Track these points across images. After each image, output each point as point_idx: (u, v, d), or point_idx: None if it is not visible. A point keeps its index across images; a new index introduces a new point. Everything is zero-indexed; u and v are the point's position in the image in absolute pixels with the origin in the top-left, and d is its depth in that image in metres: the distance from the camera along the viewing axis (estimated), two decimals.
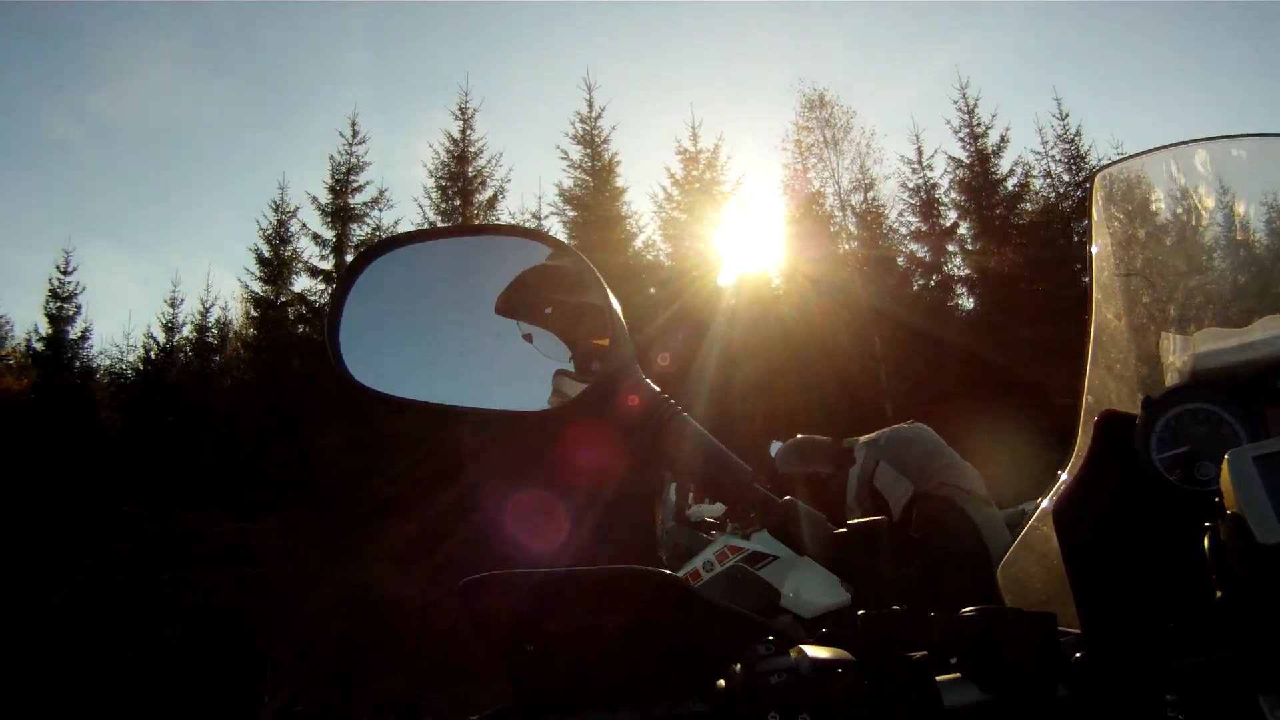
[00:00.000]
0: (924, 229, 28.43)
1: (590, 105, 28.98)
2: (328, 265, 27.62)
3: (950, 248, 28.17)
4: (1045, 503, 1.32)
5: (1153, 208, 1.55)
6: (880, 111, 66.71)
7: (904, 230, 28.87)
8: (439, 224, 27.62)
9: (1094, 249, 1.52)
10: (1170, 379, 1.35)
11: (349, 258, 27.72)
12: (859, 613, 1.06)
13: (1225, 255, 1.55)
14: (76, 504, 19.17)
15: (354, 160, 28.67)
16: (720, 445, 1.30)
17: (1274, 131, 1.48)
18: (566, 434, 1.31)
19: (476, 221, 26.07)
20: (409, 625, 16.07)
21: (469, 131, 29.07)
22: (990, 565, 4.97)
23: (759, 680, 0.91)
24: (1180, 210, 1.55)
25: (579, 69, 48.09)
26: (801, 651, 0.95)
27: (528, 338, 1.31)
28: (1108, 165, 1.63)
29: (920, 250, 28.37)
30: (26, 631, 15.72)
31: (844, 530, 1.27)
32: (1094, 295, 1.49)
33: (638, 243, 28.07)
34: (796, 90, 33.58)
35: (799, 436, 5.91)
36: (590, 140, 28.64)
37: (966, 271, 28.03)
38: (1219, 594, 0.93)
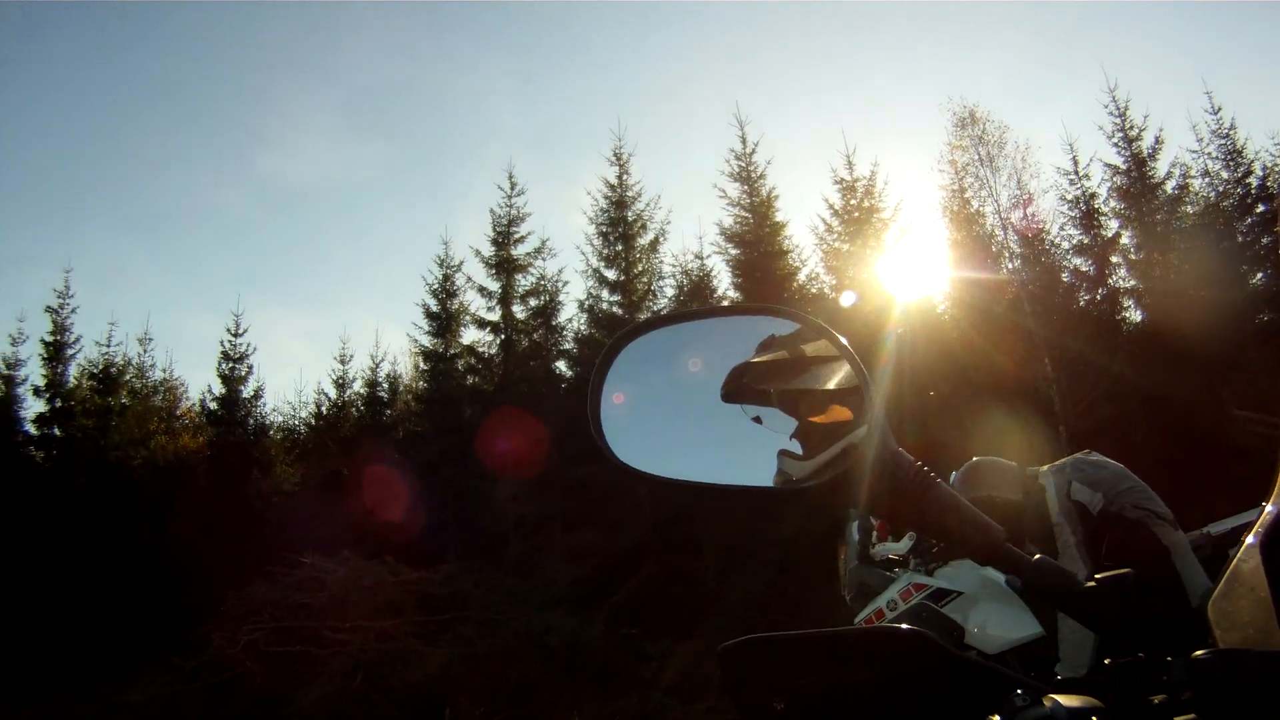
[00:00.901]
0: (1086, 241, 27.69)
1: (744, 141, 29.12)
2: (495, 316, 28.59)
3: (1114, 259, 27.48)
4: (1251, 538, 1.21)
5: None
6: (1032, 125, 65.82)
7: (1066, 245, 28.17)
8: (604, 271, 28.31)
9: None
10: None
11: (515, 309, 28.74)
12: (1105, 661, 1.15)
13: None
14: (256, 555, 19.64)
15: (514, 212, 29.54)
16: (973, 508, 1.34)
17: None
18: (839, 506, 1.30)
19: (718, 302, 26.45)
20: (588, 669, 16.13)
21: (625, 176, 29.59)
22: (1181, 589, 4.84)
23: None
24: None
25: (729, 105, 48.37)
26: (1055, 701, 0.98)
27: (757, 419, 1.34)
28: None
29: (1084, 264, 27.66)
30: (207, 677, 16.17)
31: (1093, 585, 1.29)
32: None
33: (801, 276, 28.06)
34: (946, 109, 33.34)
35: (976, 459, 5.84)
36: (747, 176, 28.75)
37: (1133, 283, 27.33)
38: None
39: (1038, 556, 1.33)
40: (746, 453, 1.35)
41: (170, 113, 54.11)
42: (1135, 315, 27.03)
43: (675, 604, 18.75)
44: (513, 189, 29.45)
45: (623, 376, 1.42)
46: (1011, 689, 1.00)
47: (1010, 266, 27.16)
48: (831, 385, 1.33)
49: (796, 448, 1.32)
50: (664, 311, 22.96)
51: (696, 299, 27.29)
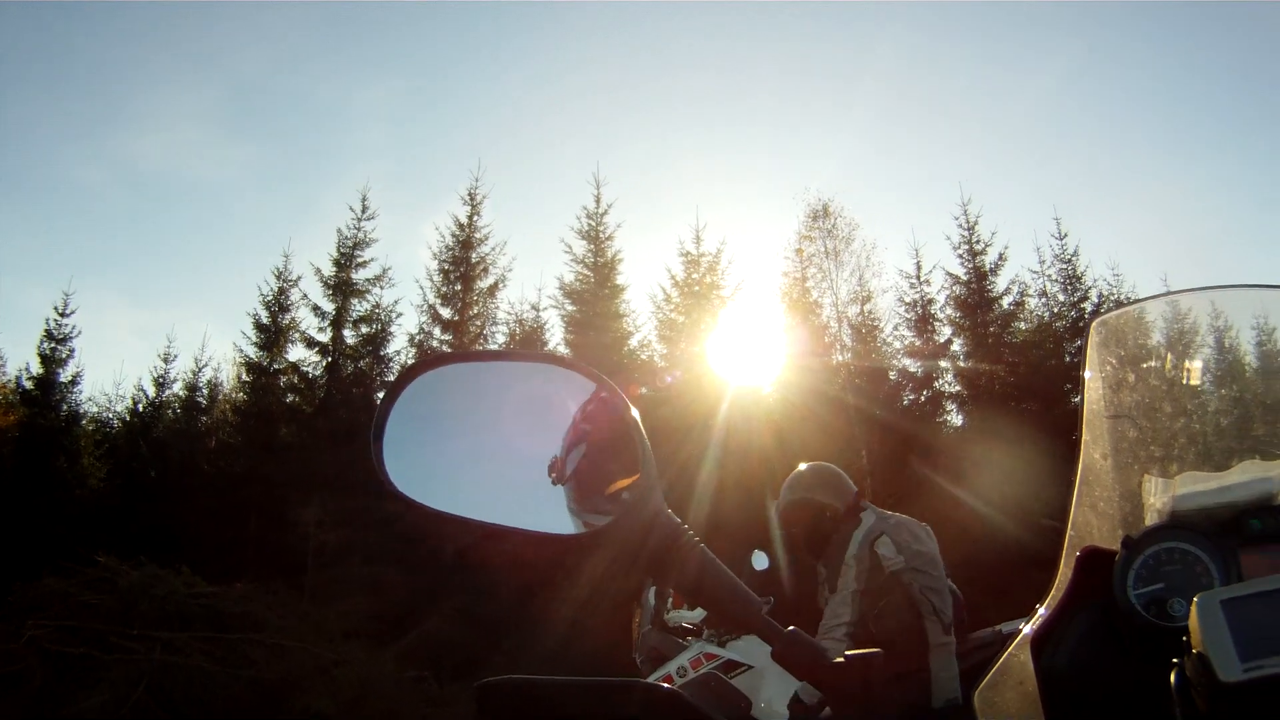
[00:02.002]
0: (917, 344, 28.54)
1: (598, 200, 29.29)
2: (324, 337, 27.85)
3: (943, 364, 28.30)
4: (1026, 630, 1.37)
5: (1144, 353, 1.62)
6: (883, 223, 67.26)
7: (898, 344, 29.08)
8: (439, 309, 28.15)
9: (1086, 392, 1.58)
10: (1150, 519, 1.40)
11: (346, 333, 28.10)
12: None
13: (1209, 400, 1.61)
14: (52, 547, 19.02)
15: (361, 235, 28.95)
16: (735, 577, 1.35)
17: (1258, 283, 1.54)
18: (601, 559, 1.37)
19: (513, 346, 26.55)
20: (374, 704, 15.94)
21: (476, 217, 29.45)
22: (926, 686, 5.02)
23: None
24: (1168, 356, 1.62)
25: (590, 164, 48.48)
26: None
27: (559, 465, 1.35)
28: (1106, 313, 1.70)
29: (913, 365, 28.50)
30: None
31: (842, 660, 1.32)
32: (1083, 435, 1.55)
33: (633, 342, 28.20)
34: (802, 199, 33.98)
35: (805, 464, 6.01)
36: (595, 236, 28.90)
37: (957, 388, 28.17)
38: None
39: (790, 629, 1.36)
40: (525, 497, 1.37)
41: (39, 77, 52.15)
42: (957, 419, 27.82)
43: (469, 648, 18.63)
44: (363, 211, 28.94)
45: (411, 408, 1.41)
46: None
47: (841, 358, 27.77)
48: (611, 443, 1.36)
49: (572, 498, 1.35)
50: (461, 350, 22.81)
51: (528, 348, 26.82)
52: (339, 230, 28.90)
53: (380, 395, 1.38)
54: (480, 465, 1.43)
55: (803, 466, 6.00)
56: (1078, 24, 54.72)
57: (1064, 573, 1.44)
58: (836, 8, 57.49)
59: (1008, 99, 54.70)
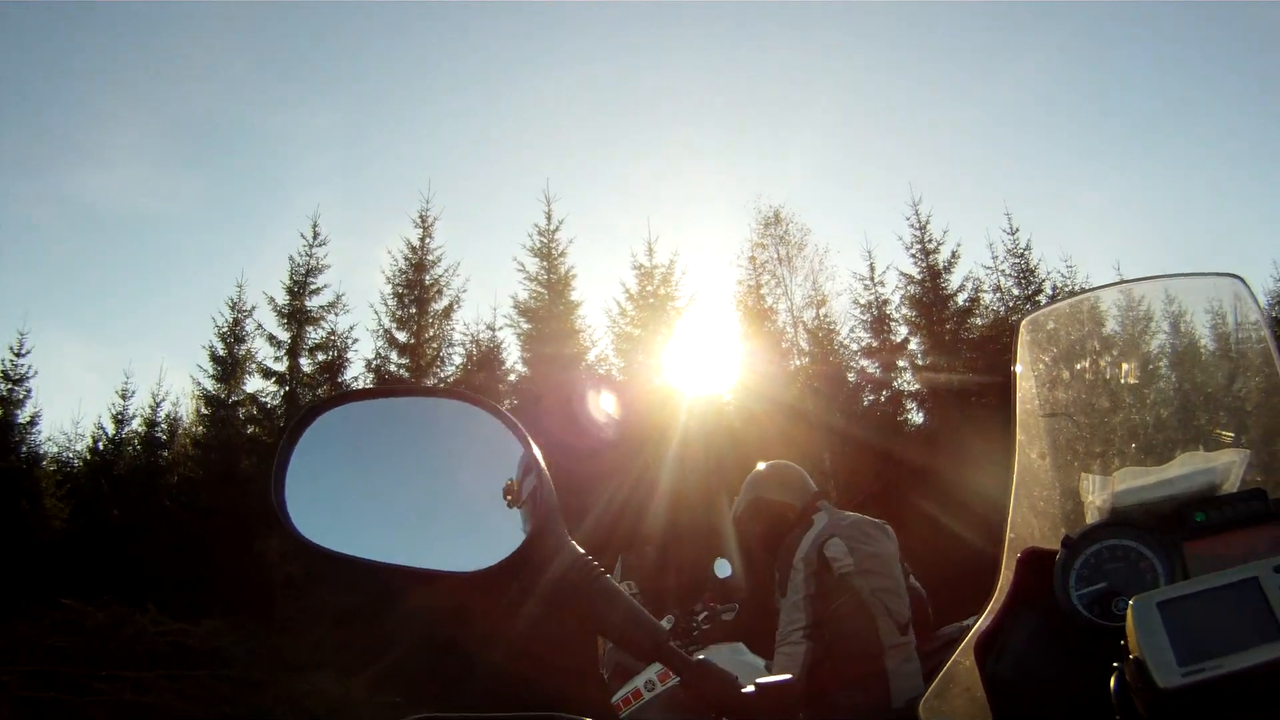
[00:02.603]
0: (875, 345, 28.66)
1: (549, 217, 29.18)
2: (281, 367, 27.67)
3: (901, 363, 28.46)
4: (969, 636, 1.36)
5: (1076, 349, 1.61)
6: (835, 227, 67.49)
7: (855, 346, 29.19)
8: (395, 333, 28.00)
9: (1018, 391, 1.58)
10: (1091, 517, 1.39)
11: (303, 361, 27.91)
12: None
13: (1146, 394, 1.60)
14: (18, 592, 18.83)
15: (314, 262, 28.71)
16: (638, 606, 1.37)
17: (1188, 272, 1.54)
18: (503, 595, 1.35)
19: (419, 380, 26.41)
20: None
21: (428, 240, 29.27)
22: (885, 687, 5.00)
23: None
24: (1102, 351, 1.61)
25: (540, 181, 48.30)
26: None
27: (460, 501, 1.38)
28: (1034, 311, 1.70)
29: (871, 366, 28.62)
30: None
31: (753, 691, 1.33)
32: (1017, 435, 1.54)
33: (590, 357, 28.17)
34: (753, 207, 34.13)
35: (764, 462, 5.95)
36: (547, 253, 28.80)
37: (916, 387, 28.33)
38: None
39: (699, 658, 1.39)
40: (424, 535, 1.37)
41: None
42: (918, 417, 27.94)
43: (440, 674, 18.54)
44: (315, 238, 28.74)
45: (313, 448, 1.39)
46: None
47: (798, 363, 27.88)
48: (512, 476, 1.34)
49: (473, 533, 1.35)
50: (361, 387, 22.69)
51: (484, 369, 27.17)
52: (291, 258, 28.71)
53: (282, 437, 1.35)
54: (380, 504, 1.42)
55: (761, 465, 5.91)
56: (1026, 22, 55.05)
57: (1005, 575, 1.43)
58: (785, 13, 57.65)
59: (956, 98, 55.00)
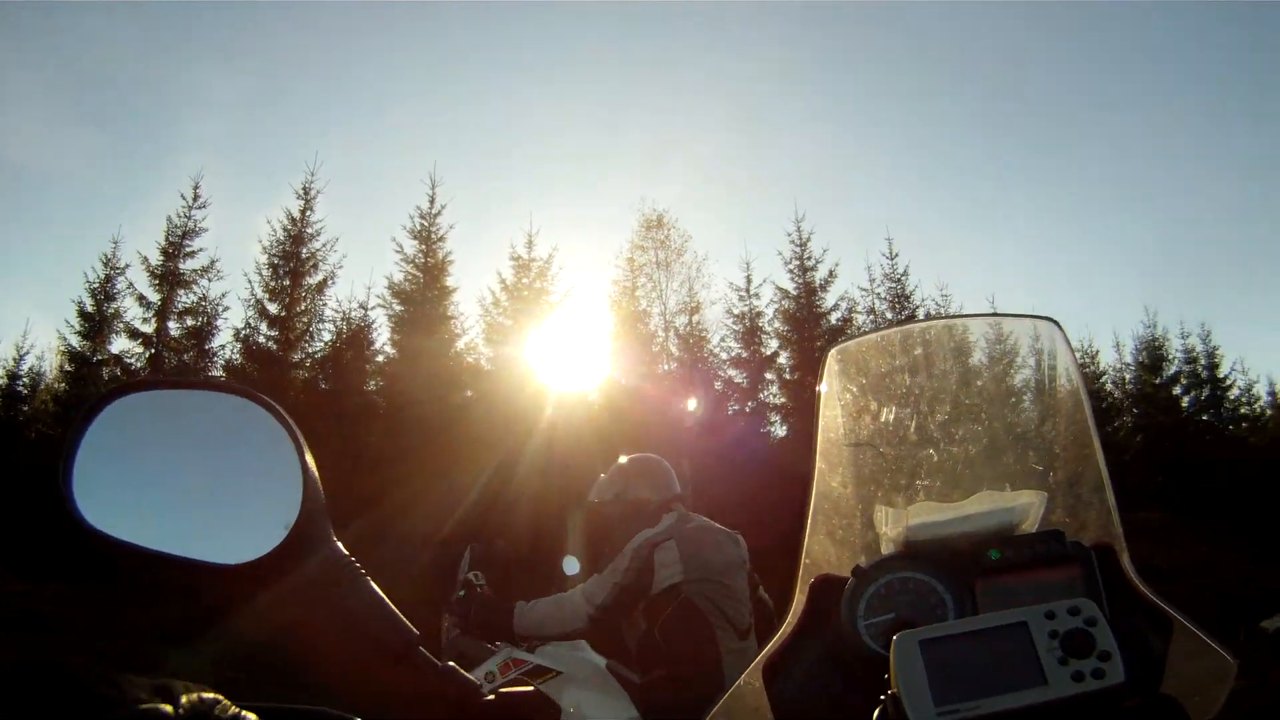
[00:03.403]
0: (744, 355, 29.01)
1: (432, 201, 29.08)
2: (149, 329, 26.95)
3: (769, 376, 28.72)
4: (759, 658, 1.36)
5: (885, 382, 1.62)
6: (717, 237, 68.00)
7: (724, 355, 29.58)
8: (266, 304, 27.49)
9: (820, 419, 1.58)
10: (885, 549, 1.40)
11: (171, 324, 27.28)
12: None
13: (954, 430, 1.61)
14: None
15: (192, 224, 28.06)
16: (392, 607, 1.34)
17: (1007, 312, 1.57)
18: (261, 589, 1.33)
19: (211, 374, 26.08)
20: None
21: (309, 212, 28.81)
22: (722, 691, 5.01)
23: None
24: (913, 385, 1.62)
25: (426, 164, 47.84)
26: None
27: (228, 492, 1.36)
28: (843, 341, 1.71)
29: (738, 376, 28.88)
30: None
31: (493, 699, 1.35)
32: (816, 463, 1.55)
33: (460, 344, 28.04)
34: (637, 209, 34.20)
35: (625, 457, 5.83)
36: (427, 236, 28.69)
37: (783, 400, 28.57)
38: None
39: (447, 664, 1.34)
40: (196, 525, 1.32)
41: None
42: (781, 430, 28.23)
43: (281, 657, 18.29)
44: (195, 200, 27.96)
45: (99, 437, 1.32)
46: None
47: (667, 367, 28.03)
48: (285, 473, 1.32)
49: (238, 526, 1.32)
50: (157, 376, 22.41)
51: (353, 348, 26.99)
52: (169, 218, 27.99)
53: (70, 426, 1.32)
54: (163, 495, 1.37)
55: (623, 458, 5.79)
56: (921, 41, 56.10)
57: (798, 600, 1.42)
58: (680, 17, 57.96)
59: (850, 119, 55.85)
